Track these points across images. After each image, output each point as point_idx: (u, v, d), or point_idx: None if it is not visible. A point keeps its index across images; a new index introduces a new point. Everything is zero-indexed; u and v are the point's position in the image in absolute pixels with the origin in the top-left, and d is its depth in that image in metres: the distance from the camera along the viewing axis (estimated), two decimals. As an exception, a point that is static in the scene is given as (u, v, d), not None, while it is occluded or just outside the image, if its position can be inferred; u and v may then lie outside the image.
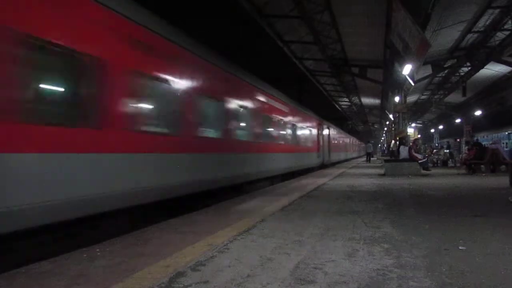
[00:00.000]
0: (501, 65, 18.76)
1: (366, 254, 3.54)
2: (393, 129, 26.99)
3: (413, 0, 9.75)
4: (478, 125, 35.40)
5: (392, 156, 22.22)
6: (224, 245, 3.96)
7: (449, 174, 14.86)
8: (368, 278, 2.88)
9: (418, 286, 2.71)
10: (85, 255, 3.73)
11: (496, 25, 14.66)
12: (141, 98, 6.06)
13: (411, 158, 15.70)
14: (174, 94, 6.89)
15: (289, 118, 15.25)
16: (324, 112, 26.84)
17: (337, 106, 38.22)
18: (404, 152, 16.29)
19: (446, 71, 21.30)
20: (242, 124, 10.36)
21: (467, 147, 18.29)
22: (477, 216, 5.48)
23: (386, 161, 19.30)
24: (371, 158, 34.41)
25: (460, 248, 3.72)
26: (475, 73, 19.98)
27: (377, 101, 31.67)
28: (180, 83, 7.03)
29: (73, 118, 4.80)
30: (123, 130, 5.44)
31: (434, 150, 25.86)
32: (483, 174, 14.14)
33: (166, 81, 6.64)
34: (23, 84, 4.18)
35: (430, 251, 3.63)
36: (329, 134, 25.57)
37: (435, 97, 30.19)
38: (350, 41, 16.33)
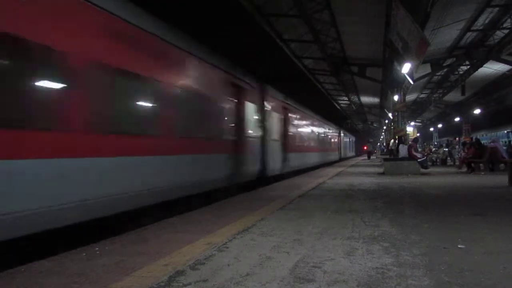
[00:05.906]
0: (500, 63, 18.72)
1: (365, 253, 3.54)
2: (392, 128, 26.97)
3: (412, -2, 9.72)
4: (477, 124, 35.38)
5: (391, 154, 22.25)
6: (223, 244, 3.96)
7: (448, 173, 14.88)
8: (367, 276, 2.89)
9: (417, 285, 2.71)
10: (84, 254, 3.73)
11: (495, 24, 14.66)
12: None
13: (410, 157, 15.72)
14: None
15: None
16: (324, 111, 27.40)
17: (336, 105, 38.18)
18: (403, 150, 16.30)
19: (445, 70, 21.26)
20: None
21: (466, 146, 18.26)
22: (476, 214, 5.50)
23: (385, 159, 19.32)
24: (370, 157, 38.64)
25: (459, 246, 3.73)
26: (474, 72, 19.91)
27: (376, 100, 31.61)
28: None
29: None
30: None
31: (433, 149, 25.83)
32: (482, 173, 14.14)
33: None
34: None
35: (429, 249, 3.64)
36: (343, 138, 37.40)
37: (434, 95, 30.11)
38: (349, 40, 16.29)
